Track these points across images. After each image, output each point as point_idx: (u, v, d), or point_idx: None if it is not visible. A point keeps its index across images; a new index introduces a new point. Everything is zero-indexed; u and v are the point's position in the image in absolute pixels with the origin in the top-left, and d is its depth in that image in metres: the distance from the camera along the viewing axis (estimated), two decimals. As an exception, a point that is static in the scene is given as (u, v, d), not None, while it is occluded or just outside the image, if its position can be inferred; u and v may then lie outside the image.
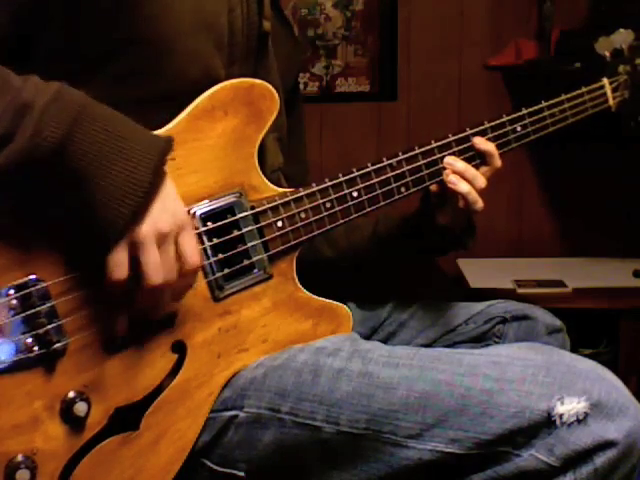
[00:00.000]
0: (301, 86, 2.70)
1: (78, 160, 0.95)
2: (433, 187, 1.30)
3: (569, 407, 1.00)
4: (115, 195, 0.96)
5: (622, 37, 1.49)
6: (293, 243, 1.19)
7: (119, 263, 0.99)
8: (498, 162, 1.32)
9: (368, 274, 1.50)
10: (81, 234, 0.99)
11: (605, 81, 1.48)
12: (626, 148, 2.42)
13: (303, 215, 1.19)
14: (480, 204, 1.28)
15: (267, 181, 1.19)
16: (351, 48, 2.76)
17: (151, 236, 0.99)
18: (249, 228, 1.15)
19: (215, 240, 1.13)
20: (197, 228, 1.10)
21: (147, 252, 0.99)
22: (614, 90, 1.48)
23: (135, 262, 1.00)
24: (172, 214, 1.01)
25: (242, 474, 1.14)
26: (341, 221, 1.22)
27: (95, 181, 0.96)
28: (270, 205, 1.17)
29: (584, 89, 1.45)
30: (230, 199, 1.14)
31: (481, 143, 1.31)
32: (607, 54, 1.50)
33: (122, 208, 0.96)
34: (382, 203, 1.25)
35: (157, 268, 1.00)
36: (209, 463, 1.15)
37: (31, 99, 0.93)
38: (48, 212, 0.99)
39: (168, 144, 1.02)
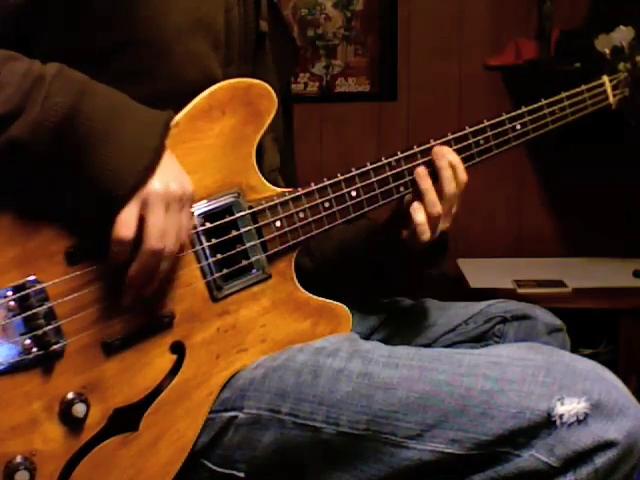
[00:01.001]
0: (301, 86, 2.71)
1: (88, 124, 0.98)
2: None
3: (569, 407, 1.00)
4: (125, 155, 0.99)
5: (622, 34, 1.49)
6: (292, 243, 1.18)
7: (127, 220, 1.00)
8: (463, 175, 1.27)
9: (361, 272, 1.49)
10: (92, 198, 1.00)
11: (605, 79, 1.48)
12: (626, 148, 2.42)
13: (302, 215, 1.19)
14: (426, 236, 1.24)
15: (265, 181, 1.18)
16: (351, 48, 2.77)
17: (161, 195, 1.01)
18: (247, 228, 1.15)
19: (214, 240, 1.12)
20: (195, 228, 1.10)
21: (154, 212, 1.01)
22: (614, 88, 1.48)
23: (140, 225, 1.01)
24: (181, 182, 1.04)
25: (242, 475, 1.13)
26: (340, 220, 1.22)
27: (105, 143, 0.98)
28: (268, 205, 1.16)
29: (584, 87, 1.44)
30: (228, 199, 1.14)
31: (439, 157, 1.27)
32: (607, 52, 1.49)
33: (132, 166, 0.99)
34: (381, 202, 1.25)
35: (158, 232, 1.01)
36: (209, 464, 1.15)
37: (40, 73, 0.97)
38: (51, 193, 1.00)
39: (170, 115, 1.05)
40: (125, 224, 1.00)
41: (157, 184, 1.01)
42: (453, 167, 1.26)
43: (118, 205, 0.99)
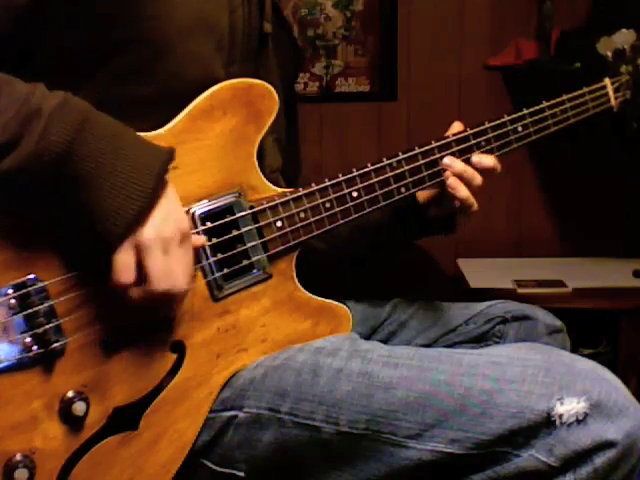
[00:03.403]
0: (301, 86, 2.71)
1: (83, 164, 0.96)
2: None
3: (569, 407, 1.00)
4: (118, 198, 0.97)
5: (624, 37, 1.49)
6: (292, 243, 1.18)
7: (125, 266, 0.99)
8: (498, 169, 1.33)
9: (365, 270, 1.49)
10: (84, 235, 0.99)
11: (607, 81, 1.48)
12: (627, 148, 2.42)
13: (302, 215, 1.19)
14: (475, 207, 1.30)
15: (266, 181, 1.18)
16: (351, 48, 2.76)
17: (155, 241, 0.99)
18: (248, 228, 1.15)
19: (214, 240, 1.12)
20: (196, 227, 1.10)
21: (152, 257, 1.00)
22: (616, 90, 1.48)
23: (141, 267, 1.00)
24: (175, 222, 1.02)
25: (242, 474, 1.14)
26: (341, 221, 1.22)
27: (99, 185, 0.97)
28: (269, 205, 1.16)
29: (585, 89, 1.44)
30: (229, 199, 1.14)
31: (482, 161, 1.31)
32: (609, 54, 1.49)
33: (125, 210, 0.97)
34: (382, 203, 1.25)
35: (161, 274, 1.00)
36: (209, 463, 1.15)
37: (39, 105, 0.95)
38: (50, 213, 0.99)
39: (170, 154, 1.03)
40: (123, 270, 0.99)
41: (148, 230, 0.99)
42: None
43: (111, 247, 0.99)
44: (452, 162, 1.28)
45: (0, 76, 0.97)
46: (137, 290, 1.00)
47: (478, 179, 1.29)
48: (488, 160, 1.31)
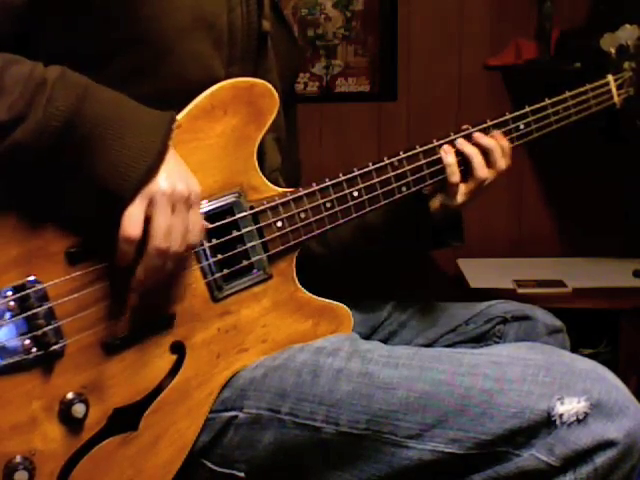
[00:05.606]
0: (301, 86, 2.71)
1: (90, 127, 0.97)
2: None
3: (569, 407, 1.00)
4: (127, 156, 0.99)
5: (627, 33, 1.48)
6: (293, 243, 1.18)
7: (134, 218, 0.99)
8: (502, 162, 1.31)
9: (362, 272, 1.49)
10: (94, 199, 1.00)
11: (610, 78, 1.47)
12: (626, 148, 2.42)
13: (303, 215, 1.19)
14: (456, 178, 1.29)
15: (267, 181, 1.18)
16: (351, 48, 2.76)
17: (168, 195, 1.01)
18: (248, 228, 1.15)
19: (214, 240, 1.12)
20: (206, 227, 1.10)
21: (160, 211, 1.00)
22: (619, 87, 1.47)
23: (146, 224, 1.00)
24: (187, 180, 1.04)
25: (242, 474, 1.14)
26: (341, 221, 1.22)
27: (107, 146, 0.98)
28: (269, 205, 1.16)
29: (588, 86, 1.44)
30: (229, 199, 1.14)
31: (480, 137, 1.30)
32: (612, 51, 1.49)
33: (135, 166, 0.99)
34: (383, 202, 1.25)
35: (166, 229, 1.01)
36: (209, 463, 1.15)
37: (42, 77, 0.97)
38: (56, 191, 0.99)
39: (172, 116, 1.05)
40: (132, 223, 0.99)
41: (163, 184, 1.01)
42: (486, 152, 1.29)
43: (121, 205, 0.99)
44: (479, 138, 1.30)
45: (6, 56, 0.99)
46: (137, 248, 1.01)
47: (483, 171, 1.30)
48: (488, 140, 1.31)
